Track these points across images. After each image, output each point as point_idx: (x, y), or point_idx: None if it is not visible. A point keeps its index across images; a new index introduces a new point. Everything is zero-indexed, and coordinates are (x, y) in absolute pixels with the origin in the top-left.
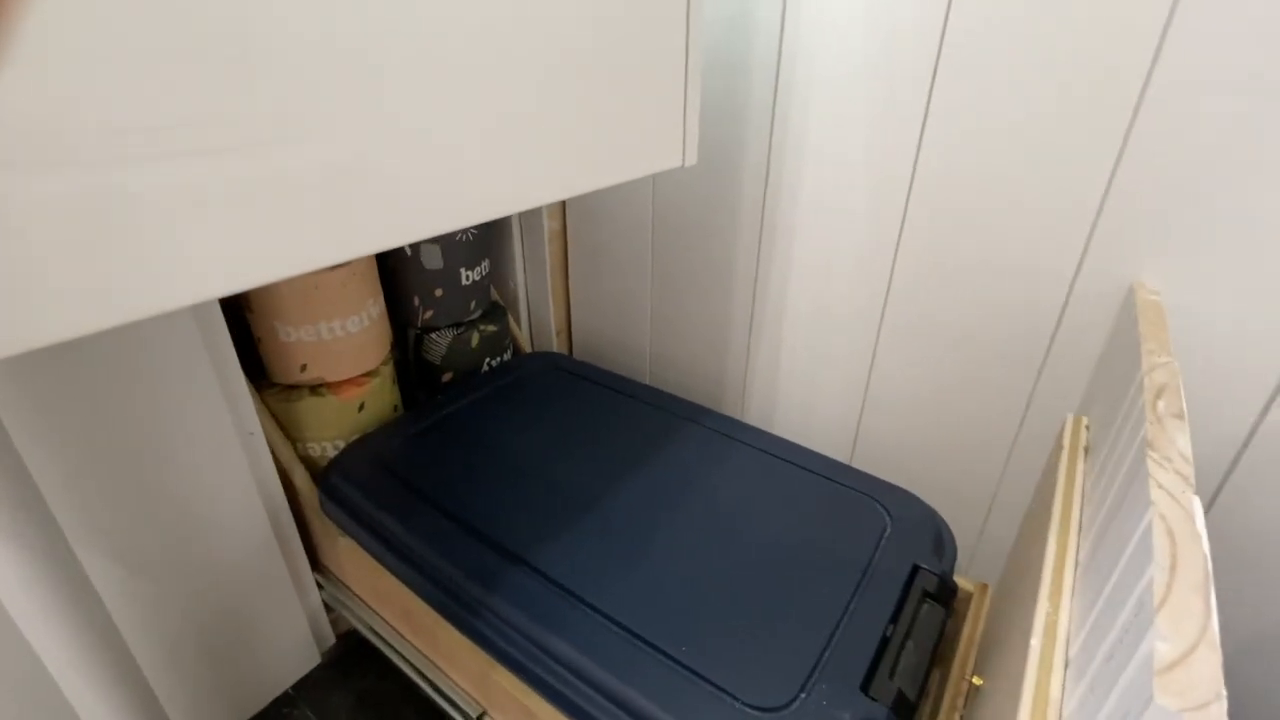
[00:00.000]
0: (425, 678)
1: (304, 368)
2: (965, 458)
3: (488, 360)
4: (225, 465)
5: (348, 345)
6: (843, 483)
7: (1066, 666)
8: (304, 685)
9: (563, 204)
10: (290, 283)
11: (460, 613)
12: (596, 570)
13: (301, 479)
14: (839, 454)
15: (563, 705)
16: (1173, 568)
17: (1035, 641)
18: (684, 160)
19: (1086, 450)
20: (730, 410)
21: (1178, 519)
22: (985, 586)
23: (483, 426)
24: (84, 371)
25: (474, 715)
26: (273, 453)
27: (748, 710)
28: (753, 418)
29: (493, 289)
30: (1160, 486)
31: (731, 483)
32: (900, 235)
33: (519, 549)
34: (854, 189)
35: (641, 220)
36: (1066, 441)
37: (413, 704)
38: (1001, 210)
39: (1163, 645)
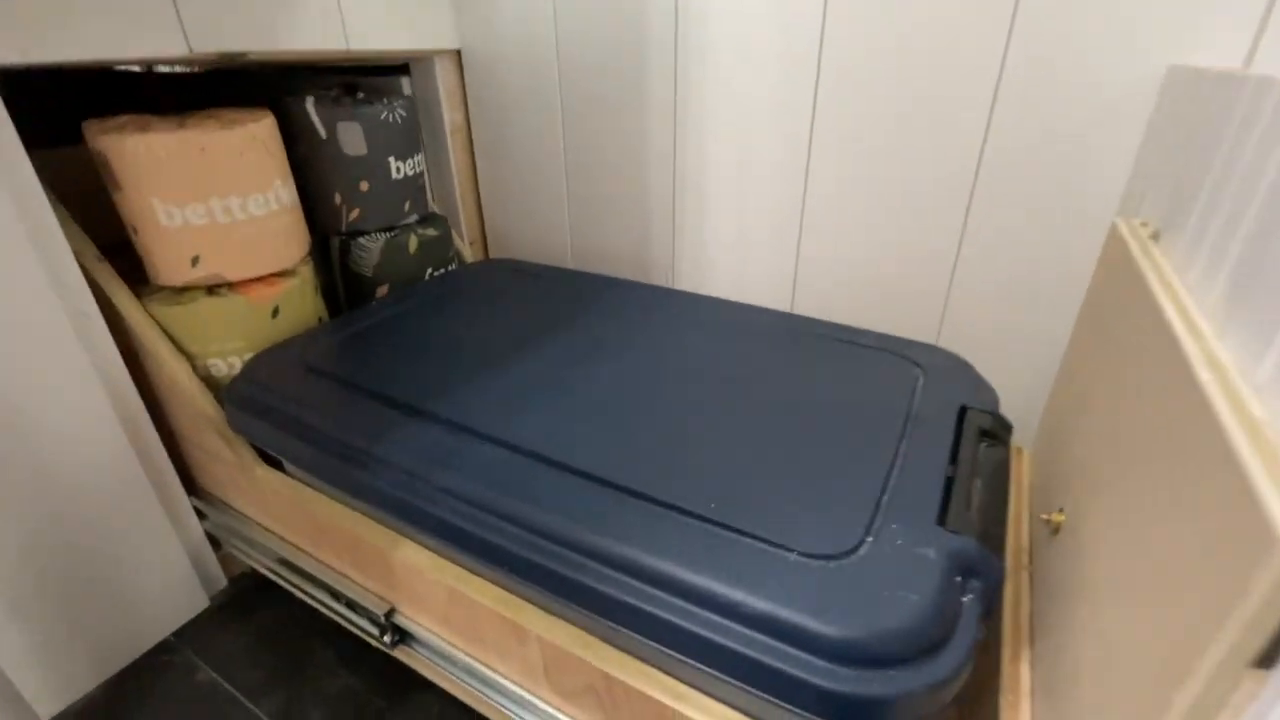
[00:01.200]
0: (336, 594)
1: (196, 260)
2: (909, 297)
3: (430, 271)
4: (54, 355)
5: (251, 232)
6: (858, 342)
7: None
8: (188, 631)
9: (463, 92)
10: (168, 145)
11: (421, 507)
12: (587, 443)
13: (197, 393)
14: (778, 307)
15: (577, 595)
16: None
17: (1205, 375)
18: None
19: (1155, 237)
20: (659, 282)
21: None
22: (1021, 449)
23: (429, 325)
24: None
25: (381, 614)
26: (164, 369)
27: (807, 560)
28: (684, 285)
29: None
30: None
31: (738, 355)
32: (818, 77)
33: (488, 429)
34: (765, 31)
35: (548, 98)
36: (1127, 237)
37: (318, 636)
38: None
39: None
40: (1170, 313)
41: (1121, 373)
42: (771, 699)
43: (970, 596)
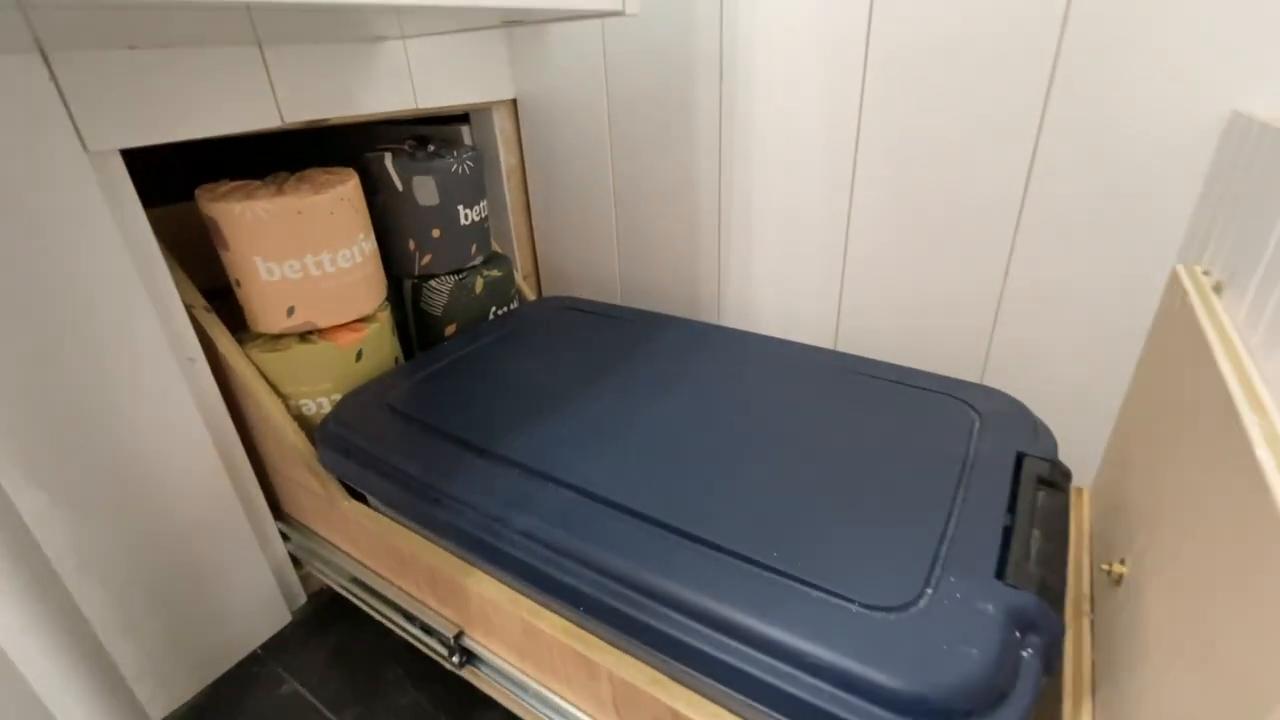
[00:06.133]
0: (410, 616)
1: (291, 311)
2: (951, 339)
3: (494, 309)
4: (165, 396)
5: (339, 284)
6: (910, 383)
7: None
8: (274, 645)
9: (518, 136)
10: (271, 210)
11: (498, 546)
12: (652, 487)
13: (290, 431)
14: (823, 344)
15: (646, 636)
16: None
17: (1263, 453)
18: (624, 6)
19: (1218, 289)
20: (707, 318)
21: None
22: (1080, 489)
23: (496, 365)
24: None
25: (450, 636)
26: (261, 409)
27: (869, 612)
28: (730, 322)
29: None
30: None
31: (791, 395)
32: (860, 115)
33: (561, 473)
34: (809, 71)
35: (598, 138)
36: (1189, 287)
37: (390, 654)
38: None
39: None
40: (1232, 382)
41: (1181, 433)
42: None
43: (1030, 652)
